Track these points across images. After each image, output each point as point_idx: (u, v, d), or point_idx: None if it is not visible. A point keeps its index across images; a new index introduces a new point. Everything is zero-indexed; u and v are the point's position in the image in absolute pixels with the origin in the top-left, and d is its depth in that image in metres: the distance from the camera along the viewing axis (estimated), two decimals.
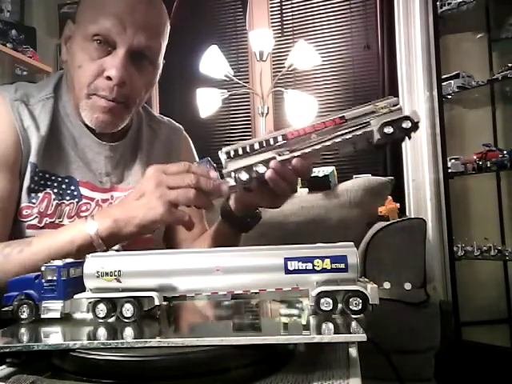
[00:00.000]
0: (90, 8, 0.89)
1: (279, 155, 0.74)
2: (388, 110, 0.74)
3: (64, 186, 0.92)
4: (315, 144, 0.74)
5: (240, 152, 0.73)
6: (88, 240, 0.77)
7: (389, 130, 0.73)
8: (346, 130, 0.74)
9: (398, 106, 0.75)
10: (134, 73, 0.89)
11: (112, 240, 0.78)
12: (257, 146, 0.74)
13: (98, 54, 0.86)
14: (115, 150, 0.98)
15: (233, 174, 0.73)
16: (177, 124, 1.15)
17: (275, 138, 0.74)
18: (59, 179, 0.92)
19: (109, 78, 0.86)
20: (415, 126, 0.73)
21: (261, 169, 0.73)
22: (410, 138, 0.75)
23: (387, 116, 0.74)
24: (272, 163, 0.73)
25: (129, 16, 0.85)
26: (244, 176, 0.72)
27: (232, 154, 0.74)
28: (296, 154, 0.74)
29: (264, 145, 0.74)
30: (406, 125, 0.73)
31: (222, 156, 0.74)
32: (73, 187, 0.93)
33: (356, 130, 0.74)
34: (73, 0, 3.10)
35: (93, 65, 0.87)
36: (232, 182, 0.74)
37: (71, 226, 0.84)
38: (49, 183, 0.91)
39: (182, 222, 0.77)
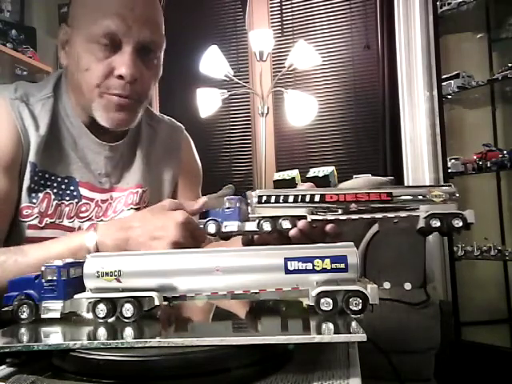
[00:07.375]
0: (87, 10, 0.89)
1: (312, 213, 0.70)
2: (442, 200, 0.67)
3: (64, 187, 0.92)
4: (353, 213, 0.69)
5: (272, 200, 0.71)
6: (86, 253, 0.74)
7: (436, 223, 0.66)
8: (391, 208, 0.68)
9: (454, 198, 0.68)
10: (142, 68, 0.89)
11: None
12: (291, 199, 0.70)
13: (104, 54, 0.87)
14: (115, 150, 0.98)
15: (257, 221, 0.70)
16: (177, 123, 1.14)
17: (312, 197, 0.70)
18: (59, 179, 0.92)
19: (120, 77, 0.86)
20: (466, 227, 0.66)
21: (286, 224, 0.70)
22: (458, 233, 0.67)
23: (439, 207, 0.67)
24: (300, 224, 0.70)
25: (130, 13, 0.86)
26: (267, 227, 0.70)
27: (264, 200, 0.71)
28: (329, 217, 0.69)
29: (299, 200, 0.70)
30: (457, 223, 0.66)
31: (254, 198, 0.71)
32: (72, 187, 0.93)
33: (401, 211, 0.68)
34: None
35: (100, 65, 0.87)
36: (252, 227, 0.71)
37: (68, 238, 0.83)
38: (48, 183, 0.91)
39: None
